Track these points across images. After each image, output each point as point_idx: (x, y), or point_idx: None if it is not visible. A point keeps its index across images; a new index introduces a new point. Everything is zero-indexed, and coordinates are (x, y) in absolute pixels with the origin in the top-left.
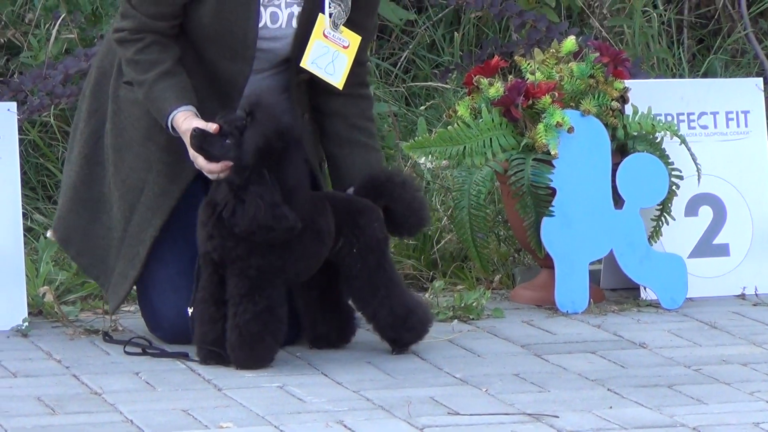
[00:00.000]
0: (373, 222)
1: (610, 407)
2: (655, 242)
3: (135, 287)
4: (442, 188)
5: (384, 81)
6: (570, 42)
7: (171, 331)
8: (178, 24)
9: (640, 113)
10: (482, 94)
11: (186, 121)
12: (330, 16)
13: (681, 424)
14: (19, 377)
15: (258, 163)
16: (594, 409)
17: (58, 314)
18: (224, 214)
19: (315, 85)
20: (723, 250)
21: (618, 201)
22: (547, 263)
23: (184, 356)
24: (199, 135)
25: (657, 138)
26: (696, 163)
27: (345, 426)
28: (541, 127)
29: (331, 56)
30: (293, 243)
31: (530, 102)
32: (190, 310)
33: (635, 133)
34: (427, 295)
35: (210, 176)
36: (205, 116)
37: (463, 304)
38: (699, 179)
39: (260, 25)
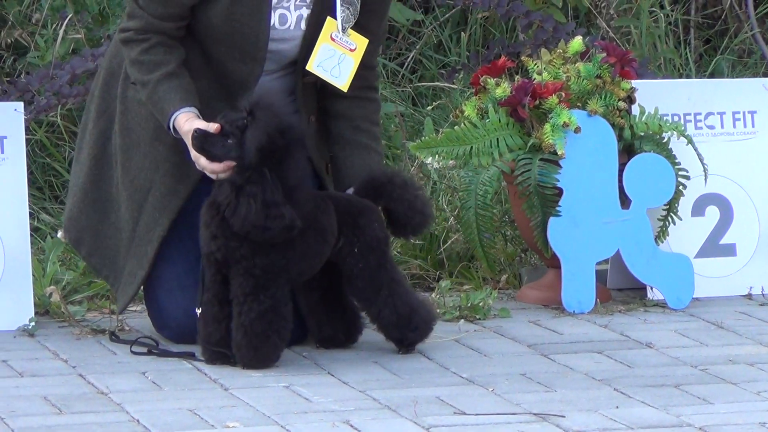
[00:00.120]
0: (373, 222)
1: (617, 407)
2: (662, 242)
3: (143, 287)
4: (448, 188)
5: (391, 81)
6: (577, 42)
7: (178, 330)
8: (185, 25)
9: (646, 113)
10: (489, 94)
11: (188, 122)
12: (339, 20)
13: (688, 424)
14: (25, 377)
15: (260, 162)
16: (600, 409)
17: (64, 314)
18: (226, 213)
19: (323, 87)
20: (730, 250)
21: (625, 201)
22: (554, 263)
23: (191, 356)
24: (200, 136)
25: (664, 138)
26: (703, 163)
27: (351, 426)
28: (547, 127)
29: (337, 59)
30: (296, 242)
31: (537, 102)
32: (198, 311)
33: (642, 134)
34: (433, 295)
35: (212, 176)
36: (212, 117)
37: (469, 304)
38: (706, 179)
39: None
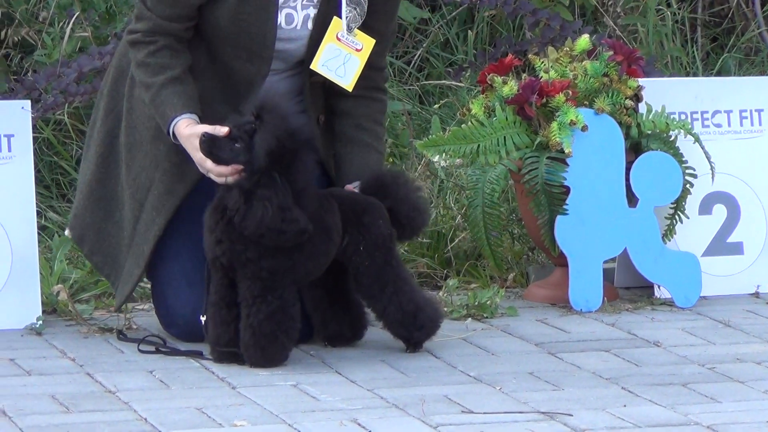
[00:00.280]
0: (377, 219)
1: (624, 405)
2: (669, 240)
3: (150, 285)
4: (456, 187)
5: (398, 79)
6: (584, 40)
7: (185, 328)
8: (193, 26)
9: (653, 111)
10: (496, 92)
11: (189, 127)
12: (345, 20)
13: (695, 423)
14: (33, 375)
15: (269, 166)
16: (608, 408)
17: (72, 312)
18: (235, 219)
19: (330, 86)
20: (737, 249)
21: (632, 199)
22: (561, 261)
23: (198, 354)
24: (208, 139)
25: (671, 136)
26: (710, 162)
27: (359, 424)
28: (554, 125)
29: (342, 59)
30: (303, 243)
31: (544, 100)
32: (203, 319)
33: (649, 132)
34: (440, 293)
35: (218, 180)
36: (215, 120)
37: (476, 303)
38: (713, 177)
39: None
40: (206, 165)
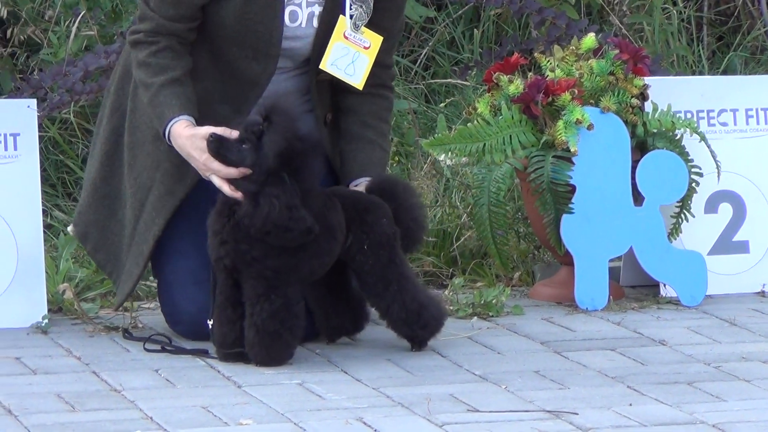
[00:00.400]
0: (381, 218)
1: (630, 404)
2: (675, 239)
3: (156, 283)
4: (461, 185)
5: (404, 78)
6: (590, 39)
7: (191, 325)
8: (195, 27)
9: (659, 110)
10: (502, 91)
11: (189, 128)
12: (351, 18)
13: (701, 421)
14: (38, 374)
15: (278, 167)
16: (614, 407)
17: (77, 311)
18: (244, 221)
19: (337, 83)
20: (743, 247)
21: (638, 198)
22: (567, 260)
23: (204, 353)
24: (216, 140)
25: (677, 135)
26: (716, 160)
27: (364, 423)
28: (560, 124)
29: (351, 57)
30: (307, 242)
31: (550, 99)
32: (210, 323)
33: (655, 130)
34: (446, 292)
35: (223, 187)
36: (217, 121)
37: (482, 301)
38: (719, 176)
39: None
40: (213, 165)
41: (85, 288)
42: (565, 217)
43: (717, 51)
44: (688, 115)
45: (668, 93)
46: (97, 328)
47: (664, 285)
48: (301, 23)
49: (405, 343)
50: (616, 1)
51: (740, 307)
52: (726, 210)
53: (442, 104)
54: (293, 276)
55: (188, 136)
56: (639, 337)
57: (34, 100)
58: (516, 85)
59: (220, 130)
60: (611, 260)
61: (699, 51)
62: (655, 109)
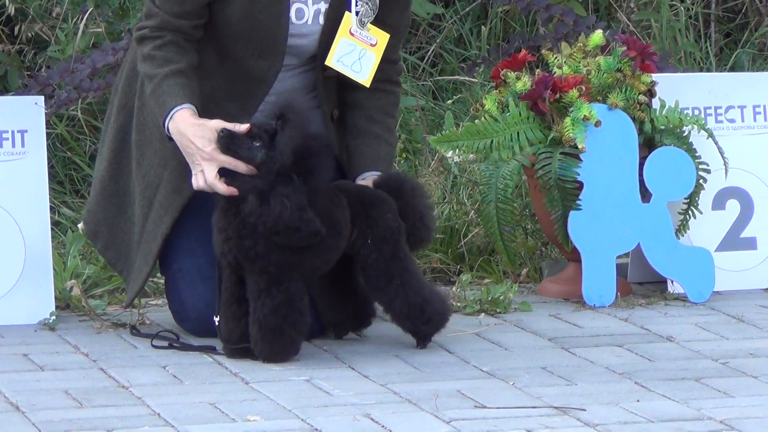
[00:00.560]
0: (385, 212)
1: (637, 400)
2: (683, 236)
3: (164, 280)
4: (469, 182)
5: (411, 75)
6: (597, 36)
7: (198, 322)
8: (201, 24)
9: (667, 107)
10: (509, 87)
11: (194, 116)
12: (357, 15)
13: (708, 418)
14: (46, 371)
15: (292, 165)
16: (621, 403)
17: (85, 308)
18: (251, 219)
19: (343, 79)
20: (750, 244)
21: (645, 194)
22: (575, 257)
23: (212, 350)
24: (227, 135)
25: (684, 132)
26: (723, 157)
27: (372, 419)
28: (568, 120)
29: (357, 54)
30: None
31: (557, 96)
32: (216, 320)
33: (662, 127)
34: (454, 288)
35: (216, 186)
36: (225, 119)
37: (490, 298)
38: (726, 173)
39: None
40: (220, 157)
41: (92, 285)
42: (572, 213)
43: (724, 48)
44: (696, 112)
45: (676, 90)
46: (104, 325)
47: (672, 281)
48: (307, 20)
49: (412, 339)
50: None
51: (748, 304)
52: (733, 206)
53: (450, 101)
54: (296, 272)
55: (193, 124)
56: (646, 334)
57: (42, 97)
58: (523, 82)
59: (230, 125)
60: (619, 257)
61: (706, 48)
62: (662, 105)
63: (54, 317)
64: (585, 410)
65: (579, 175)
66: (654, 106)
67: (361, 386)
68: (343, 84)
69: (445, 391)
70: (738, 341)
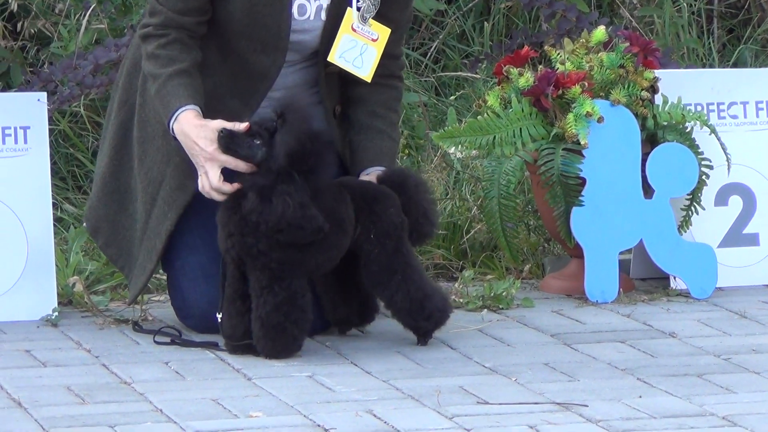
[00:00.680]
0: (389, 208)
1: (640, 396)
2: (685, 232)
3: (166, 277)
4: (471, 178)
5: (414, 71)
6: (600, 32)
7: (201, 319)
8: (205, 21)
9: (670, 103)
10: (512, 84)
11: (198, 117)
12: (359, 10)
13: (710, 414)
14: (48, 367)
15: (289, 167)
16: (623, 399)
17: (87, 304)
18: (252, 217)
19: (345, 75)
20: (753, 240)
21: (648, 191)
22: (577, 253)
23: (214, 346)
24: (226, 135)
25: (687, 128)
26: (726, 153)
27: (374, 415)
28: (570, 116)
29: (359, 49)
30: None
31: (560, 92)
32: (219, 316)
33: (665, 123)
34: (456, 284)
35: (222, 188)
36: (227, 114)
37: (492, 294)
38: (729, 169)
39: None
40: (221, 157)
41: (95, 281)
42: (575, 209)
43: (727, 43)
44: (699, 108)
45: (678, 86)
46: (107, 321)
47: (674, 277)
48: (309, 16)
49: (414, 336)
50: None
51: (750, 300)
52: (736, 202)
53: (453, 97)
54: (299, 269)
55: (197, 125)
56: (649, 330)
57: (44, 94)
58: (526, 78)
59: (230, 125)
60: (621, 253)
61: (709, 43)
62: (665, 101)
63: (56, 313)
64: (587, 406)
65: (581, 171)
66: (657, 102)
67: (364, 382)
68: (345, 79)
69: (448, 387)
70: (740, 337)
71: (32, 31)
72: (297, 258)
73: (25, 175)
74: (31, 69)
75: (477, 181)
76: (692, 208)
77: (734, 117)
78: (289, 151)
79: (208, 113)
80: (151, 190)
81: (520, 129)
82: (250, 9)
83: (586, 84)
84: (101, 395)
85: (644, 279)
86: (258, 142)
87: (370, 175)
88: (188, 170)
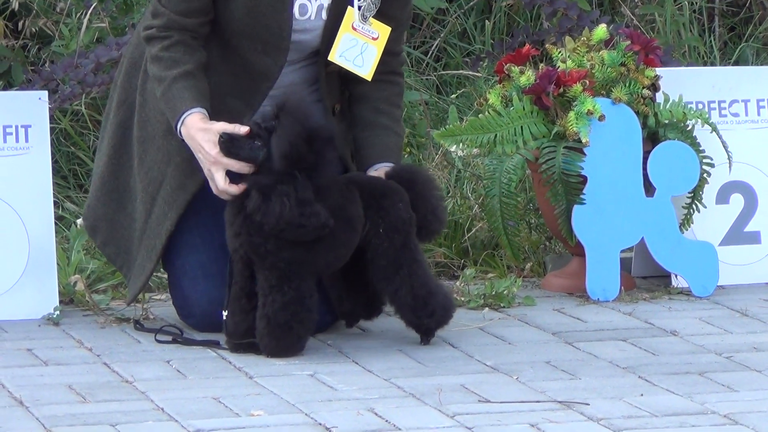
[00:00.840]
0: (397, 203)
1: (641, 395)
2: (687, 230)
3: (167, 276)
4: (473, 176)
5: (415, 69)
6: (601, 30)
7: (202, 318)
8: (208, 22)
9: (671, 101)
10: (513, 82)
11: (203, 120)
12: (359, 9)
13: (712, 412)
14: (50, 365)
15: (286, 168)
16: (625, 397)
17: (89, 303)
18: (256, 217)
19: (346, 73)
20: (754, 238)
21: (649, 189)
22: (578, 251)
23: (215, 344)
24: (227, 139)
25: (688, 126)
26: (727, 151)
27: (376, 414)
28: (572, 115)
29: (359, 48)
30: (323, 235)
31: (561, 90)
32: (224, 314)
33: (666, 121)
34: (458, 283)
35: (229, 189)
36: (228, 114)
37: (494, 292)
38: (730, 167)
39: None
40: (224, 160)
41: (96, 279)
42: (576, 207)
43: (728, 42)
44: (700, 106)
45: (680, 84)
46: (108, 320)
47: (676, 276)
48: (310, 16)
49: (416, 334)
50: None
51: (752, 298)
52: (737, 201)
53: (454, 95)
54: (308, 268)
55: (202, 129)
56: (650, 328)
57: (46, 92)
58: (527, 76)
59: (230, 128)
60: (622, 251)
61: (710, 42)
62: (666, 99)
63: (58, 312)
64: (589, 404)
65: (583, 169)
66: (658, 101)
67: (365, 381)
68: (346, 78)
69: (449, 385)
70: (742, 335)
71: (33, 29)
72: (306, 257)
73: (27, 174)
74: (33, 68)
75: (478, 179)
76: (693, 206)
77: (735, 115)
78: (283, 154)
79: (211, 113)
80: (151, 189)
81: (522, 127)
82: (251, 9)
83: (588, 82)
84: (102, 394)
85: (645, 277)
86: (259, 143)
87: (378, 171)
88: (189, 170)
